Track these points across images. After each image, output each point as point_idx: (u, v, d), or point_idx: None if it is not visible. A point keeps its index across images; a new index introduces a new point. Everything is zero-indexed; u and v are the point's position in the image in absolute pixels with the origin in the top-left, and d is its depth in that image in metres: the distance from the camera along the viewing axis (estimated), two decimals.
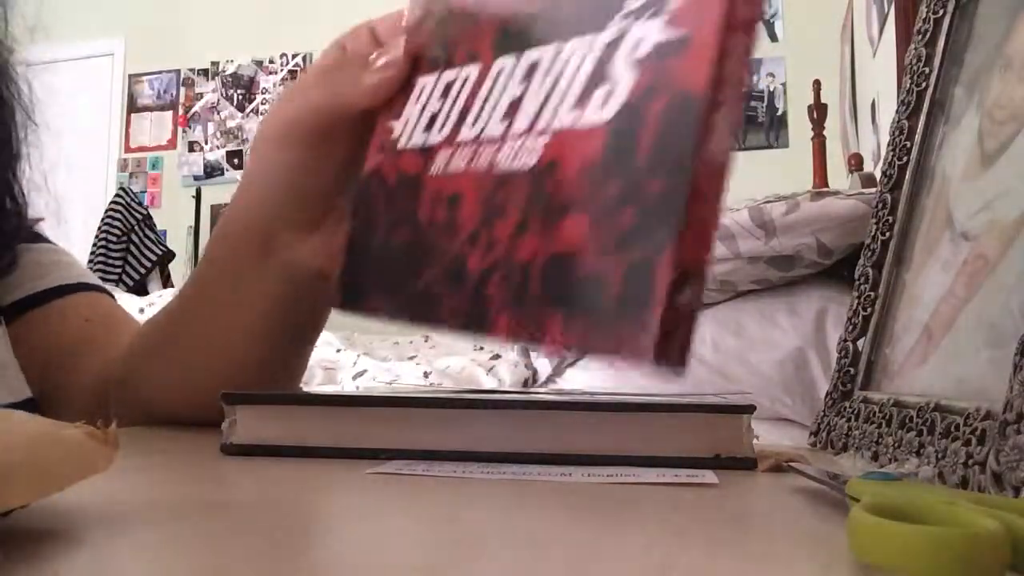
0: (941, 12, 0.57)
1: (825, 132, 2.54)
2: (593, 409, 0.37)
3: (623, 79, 0.26)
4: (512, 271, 0.28)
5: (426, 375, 1.83)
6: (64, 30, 4.27)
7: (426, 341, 2.21)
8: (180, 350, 0.50)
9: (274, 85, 4.76)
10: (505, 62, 0.32)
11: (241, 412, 0.38)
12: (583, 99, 0.28)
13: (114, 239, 3.93)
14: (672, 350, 0.23)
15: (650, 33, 0.26)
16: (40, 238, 0.61)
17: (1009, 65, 0.47)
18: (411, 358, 2.01)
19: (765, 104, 3.91)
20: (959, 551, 0.19)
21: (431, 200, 0.34)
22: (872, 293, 0.57)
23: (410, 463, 0.35)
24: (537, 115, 0.30)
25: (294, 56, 4.71)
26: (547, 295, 0.27)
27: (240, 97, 4.85)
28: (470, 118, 0.34)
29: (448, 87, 0.36)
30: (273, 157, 0.43)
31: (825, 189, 1.53)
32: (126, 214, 3.98)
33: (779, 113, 3.90)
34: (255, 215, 0.45)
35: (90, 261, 3.77)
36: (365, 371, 1.93)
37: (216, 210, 4.64)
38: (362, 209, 0.39)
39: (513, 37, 0.33)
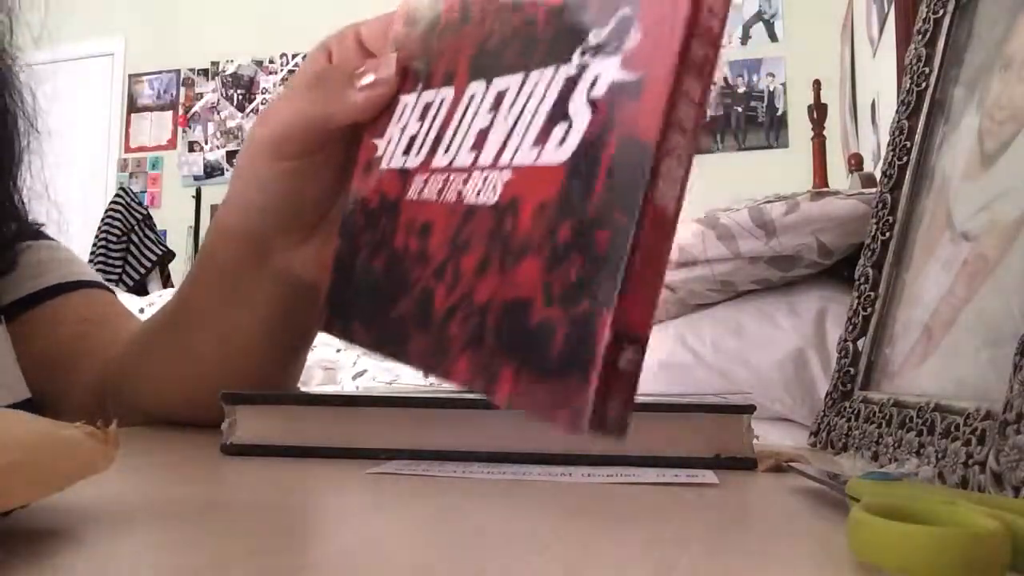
0: (941, 12, 0.57)
1: (825, 132, 2.54)
2: None
3: (579, 118, 0.25)
4: (472, 312, 0.27)
5: (426, 375, 1.83)
6: (64, 30, 4.27)
7: None
8: (176, 355, 0.50)
9: (274, 85, 4.76)
10: (476, 88, 0.32)
11: (241, 412, 0.38)
12: (543, 136, 0.27)
13: (114, 239, 3.93)
14: (609, 416, 0.22)
15: (607, 71, 0.25)
16: (39, 235, 0.61)
17: (1009, 65, 0.47)
18: None
19: (765, 104, 3.91)
20: (959, 551, 0.19)
21: (406, 227, 0.34)
22: (872, 293, 0.57)
23: (410, 463, 0.35)
24: (501, 148, 0.29)
25: (294, 56, 4.72)
26: (501, 343, 0.26)
27: (240, 97, 4.85)
28: (443, 145, 0.33)
29: (426, 109, 0.35)
30: (266, 166, 0.43)
31: (825, 189, 1.53)
32: (126, 214, 3.98)
33: (779, 113, 3.90)
34: (249, 224, 0.45)
35: (90, 261, 3.77)
36: (365, 371, 1.93)
37: (216, 210, 4.64)
38: (347, 229, 0.39)
39: (486, 61, 0.32)
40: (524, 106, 0.28)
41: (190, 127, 4.92)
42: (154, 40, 4.85)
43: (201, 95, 4.91)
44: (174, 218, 4.64)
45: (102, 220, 3.98)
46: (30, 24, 0.58)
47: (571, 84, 0.26)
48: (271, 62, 4.77)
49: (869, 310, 0.56)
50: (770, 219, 1.19)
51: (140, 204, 4.18)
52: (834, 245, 1.18)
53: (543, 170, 0.26)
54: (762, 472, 0.36)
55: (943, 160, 0.54)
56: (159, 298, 2.39)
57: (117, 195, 4.08)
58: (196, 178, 4.84)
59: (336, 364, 1.98)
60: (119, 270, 3.89)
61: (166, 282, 4.00)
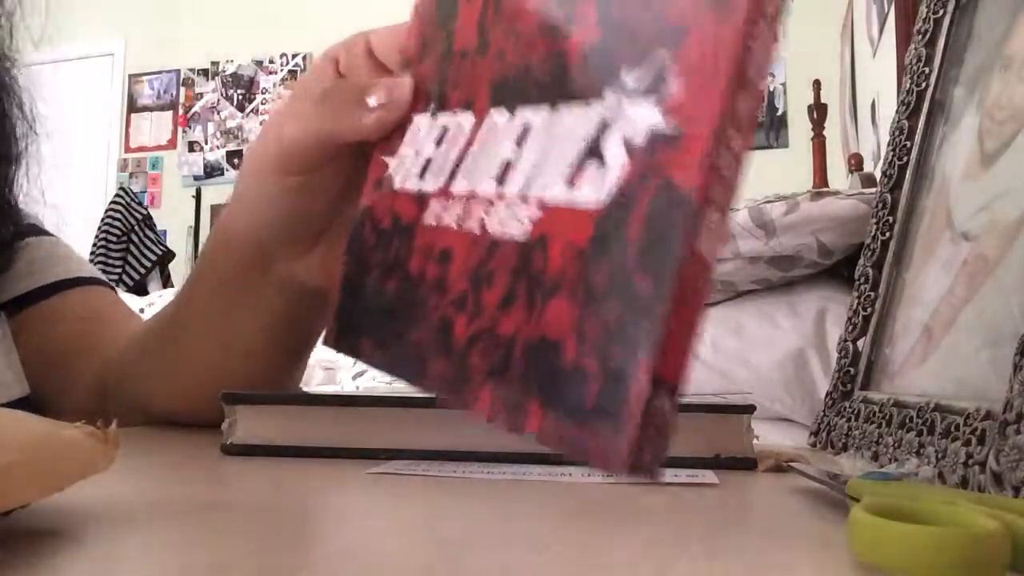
0: (941, 12, 0.57)
1: (825, 132, 2.54)
2: None
3: (615, 161, 0.25)
4: (497, 344, 0.27)
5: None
6: (64, 30, 4.27)
7: None
8: (177, 359, 0.49)
9: (274, 85, 4.76)
10: (499, 116, 0.31)
11: (241, 412, 0.38)
12: (574, 174, 0.26)
13: (114, 239, 3.93)
14: (644, 460, 0.22)
15: (644, 116, 0.24)
16: (38, 230, 0.60)
17: (1009, 65, 0.47)
18: None
19: (765, 104, 3.91)
20: (959, 551, 0.19)
21: (423, 252, 0.33)
22: (872, 293, 0.57)
23: (410, 463, 0.35)
24: (528, 183, 0.28)
25: (294, 56, 4.72)
26: (529, 379, 0.26)
27: (240, 97, 4.85)
28: (463, 172, 0.32)
29: (443, 133, 0.35)
30: (272, 181, 0.42)
31: (825, 189, 1.53)
32: (126, 214, 3.99)
33: (779, 113, 3.90)
34: (253, 236, 0.45)
35: (90, 261, 3.77)
36: (365, 371, 1.93)
37: (216, 210, 4.64)
38: (356, 245, 0.38)
39: (509, 89, 0.31)
40: (553, 141, 0.28)
41: (190, 127, 4.92)
42: (154, 40, 4.86)
43: (201, 95, 4.91)
44: (174, 218, 4.64)
45: (102, 220, 3.98)
46: (30, 27, 0.58)
47: (604, 124, 0.26)
48: (271, 62, 4.77)
49: (869, 310, 0.56)
50: (770, 219, 1.19)
51: (140, 204, 4.18)
52: (834, 245, 1.18)
53: (576, 210, 0.26)
54: (762, 472, 0.36)
55: (943, 160, 0.54)
56: (159, 298, 2.39)
57: (117, 195, 4.08)
58: (196, 178, 4.84)
59: (336, 364, 1.98)
60: (119, 270, 3.89)
61: (166, 282, 4.01)
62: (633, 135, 0.25)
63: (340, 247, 0.40)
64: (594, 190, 0.25)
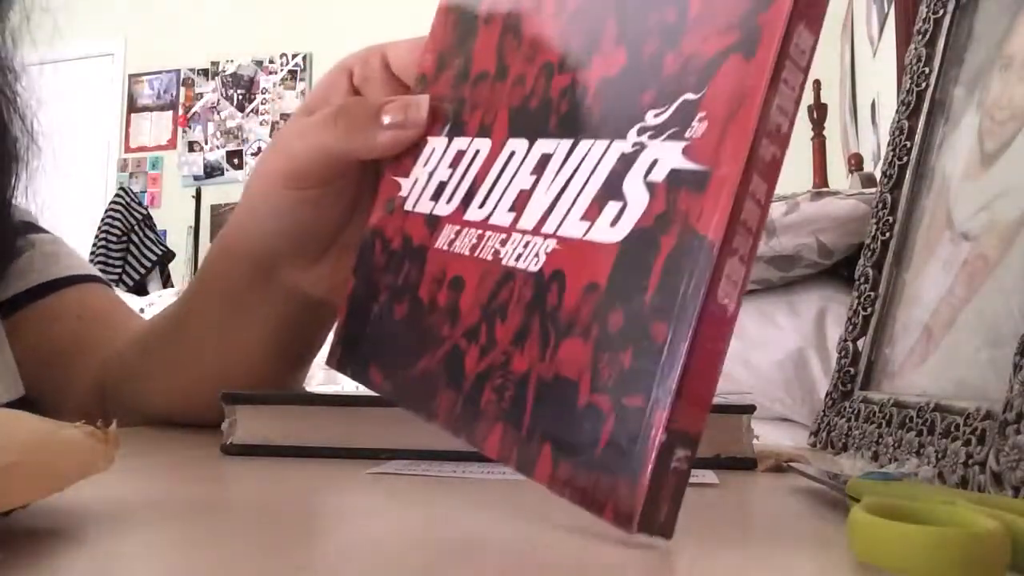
0: (941, 12, 0.57)
1: (825, 132, 2.54)
2: None
3: (635, 200, 0.24)
4: (509, 382, 0.27)
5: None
6: (64, 30, 4.27)
7: None
8: (179, 364, 0.49)
9: (274, 85, 4.76)
10: (517, 145, 0.31)
11: (241, 412, 0.38)
12: (593, 211, 0.26)
13: (114, 239, 3.93)
14: (657, 518, 0.21)
15: (667, 156, 0.24)
16: (32, 227, 0.60)
17: (1009, 65, 0.47)
18: None
19: None
20: (959, 551, 0.19)
21: (434, 278, 0.32)
22: (872, 293, 0.57)
23: (410, 463, 0.35)
24: (545, 216, 0.28)
25: (294, 56, 4.72)
26: (540, 422, 0.25)
27: (240, 97, 4.85)
28: (478, 198, 0.32)
29: (458, 157, 0.34)
30: (280, 195, 0.42)
31: (825, 189, 1.53)
32: (126, 214, 3.99)
33: None
34: (258, 248, 0.44)
35: (90, 261, 3.77)
36: None
37: (216, 210, 4.64)
38: (364, 267, 0.37)
39: (528, 119, 0.31)
40: (572, 176, 0.27)
41: (190, 127, 4.92)
42: (154, 40, 4.86)
43: (201, 95, 4.91)
44: (174, 218, 4.64)
45: (102, 220, 3.98)
46: (36, 42, 0.57)
47: (626, 162, 0.25)
48: (271, 62, 4.78)
49: (869, 310, 0.56)
50: (770, 219, 1.19)
51: (140, 204, 4.18)
52: (834, 245, 1.18)
53: (593, 247, 0.25)
54: (762, 472, 0.36)
55: (943, 160, 0.54)
56: (159, 298, 2.39)
57: (117, 195, 4.08)
58: (196, 178, 4.84)
59: None
60: (119, 270, 3.89)
61: (166, 282, 4.01)
62: (656, 175, 0.24)
63: (346, 259, 0.40)
64: (613, 228, 0.25)
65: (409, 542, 0.23)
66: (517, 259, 0.28)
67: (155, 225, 4.13)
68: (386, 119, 0.38)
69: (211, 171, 4.84)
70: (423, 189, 0.35)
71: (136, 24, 4.89)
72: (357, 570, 0.20)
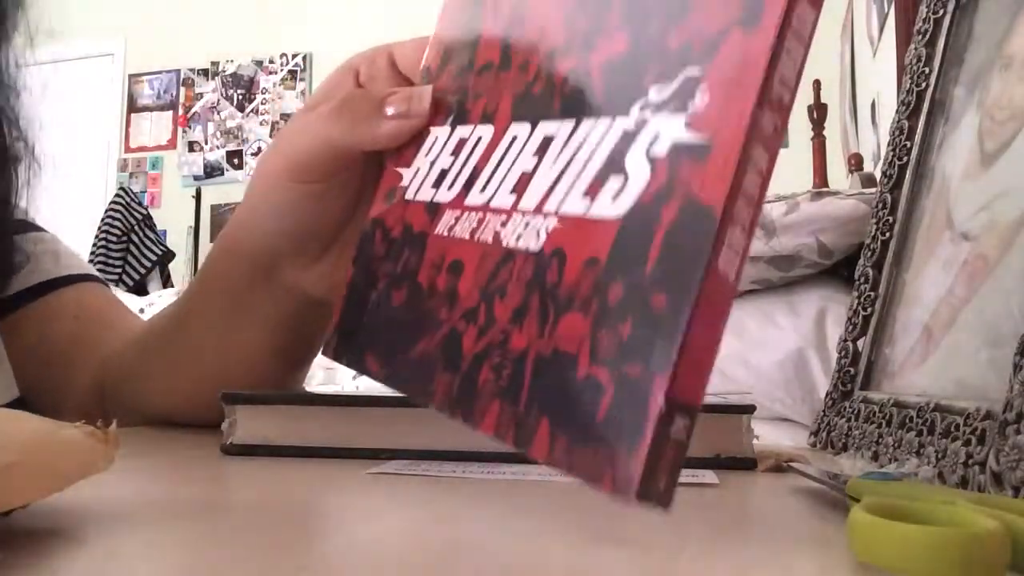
0: (941, 12, 0.57)
1: (825, 132, 2.54)
2: None
3: (637, 175, 0.24)
4: (506, 360, 0.27)
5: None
6: (64, 30, 4.27)
7: None
8: (179, 364, 0.49)
9: (274, 85, 4.76)
10: (519, 130, 0.31)
11: (241, 412, 0.38)
12: (595, 187, 0.26)
13: (114, 239, 3.93)
14: (656, 487, 0.21)
15: (669, 131, 0.24)
16: (31, 227, 0.60)
17: (1009, 65, 0.47)
18: None
19: None
20: (959, 551, 0.19)
21: (433, 263, 0.32)
22: (872, 293, 0.57)
23: (410, 463, 0.35)
24: (546, 195, 0.28)
25: (294, 56, 4.71)
26: (537, 397, 0.25)
27: (240, 97, 4.85)
28: (479, 183, 0.32)
29: (460, 144, 0.34)
30: (283, 190, 0.42)
31: (825, 189, 1.53)
32: (126, 214, 3.99)
33: None
34: (260, 245, 0.44)
35: (90, 261, 3.77)
36: None
37: (216, 210, 4.64)
38: (364, 256, 0.37)
39: (531, 103, 0.31)
40: (574, 154, 0.27)
41: (190, 127, 4.92)
42: (154, 40, 4.86)
43: (201, 95, 4.91)
44: (174, 218, 4.64)
45: (102, 220, 3.98)
46: (38, 60, 0.57)
47: (628, 138, 0.25)
48: (271, 62, 4.78)
49: (869, 310, 0.56)
50: (770, 219, 1.19)
51: (140, 204, 4.18)
52: (834, 245, 1.18)
53: (594, 223, 0.25)
54: (762, 472, 0.36)
55: (943, 160, 0.54)
56: (159, 298, 2.39)
57: (117, 195, 4.08)
58: (196, 178, 4.84)
59: (337, 364, 1.98)
60: (119, 270, 3.89)
61: (166, 282, 4.01)
62: (657, 148, 0.24)
63: (346, 259, 0.39)
64: (614, 204, 0.25)
65: (409, 542, 0.23)
66: (517, 239, 0.28)
67: (155, 225, 4.13)
68: (389, 110, 0.38)
69: (211, 171, 4.84)
70: (424, 178, 0.36)
71: (136, 24, 4.89)
72: (357, 570, 0.20)
